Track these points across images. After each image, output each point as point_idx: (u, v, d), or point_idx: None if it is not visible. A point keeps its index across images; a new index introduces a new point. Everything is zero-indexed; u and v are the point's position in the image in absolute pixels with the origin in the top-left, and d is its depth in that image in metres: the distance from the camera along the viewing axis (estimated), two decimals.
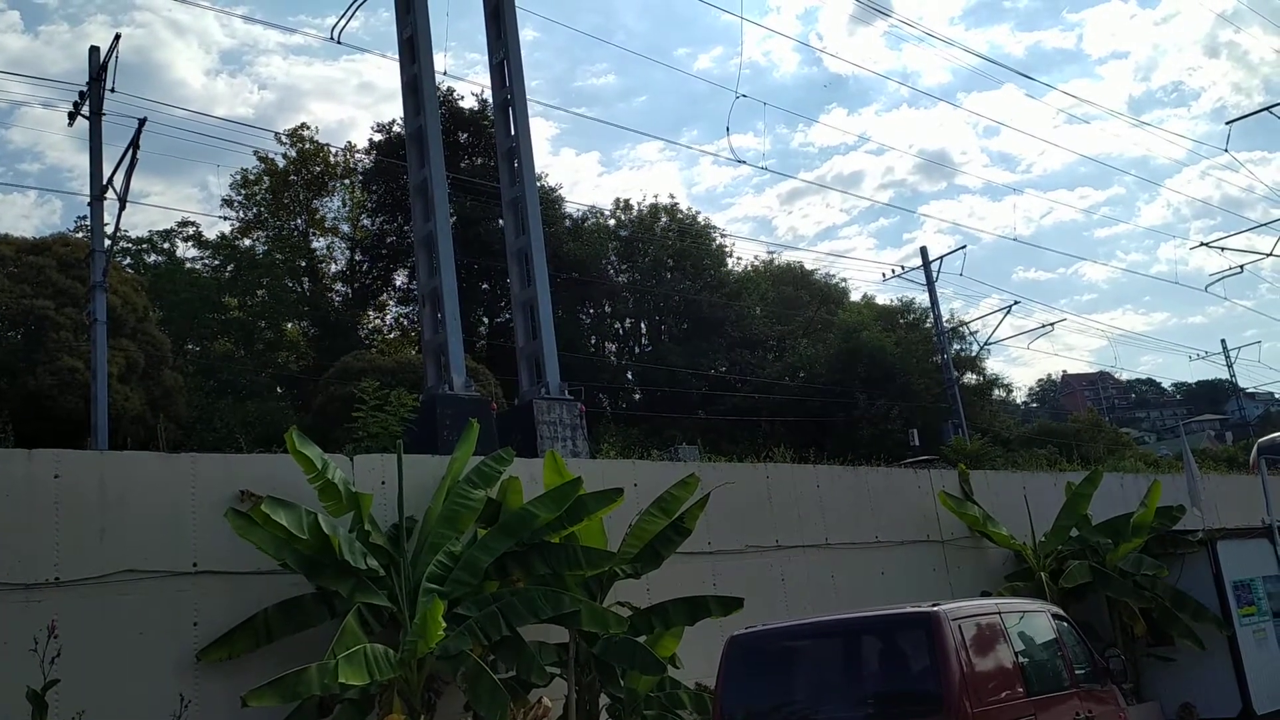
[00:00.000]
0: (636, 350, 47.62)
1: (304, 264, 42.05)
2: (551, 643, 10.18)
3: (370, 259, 43.26)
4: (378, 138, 42.12)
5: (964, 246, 48.78)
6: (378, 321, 44.49)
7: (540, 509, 10.10)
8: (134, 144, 20.71)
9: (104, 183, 21.13)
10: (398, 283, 43.19)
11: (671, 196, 64.03)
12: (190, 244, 40.41)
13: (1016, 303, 48.08)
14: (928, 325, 44.73)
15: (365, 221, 43.39)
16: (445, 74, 21.60)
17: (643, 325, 48.21)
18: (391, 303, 44.32)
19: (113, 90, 21.11)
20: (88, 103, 21.47)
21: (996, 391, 53.41)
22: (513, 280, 17.76)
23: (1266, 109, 29.55)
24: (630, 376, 45.53)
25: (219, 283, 39.24)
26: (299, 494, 9.19)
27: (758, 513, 13.58)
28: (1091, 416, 57.91)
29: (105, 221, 21.26)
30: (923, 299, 44.12)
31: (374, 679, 8.24)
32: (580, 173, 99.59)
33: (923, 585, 14.60)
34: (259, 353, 38.95)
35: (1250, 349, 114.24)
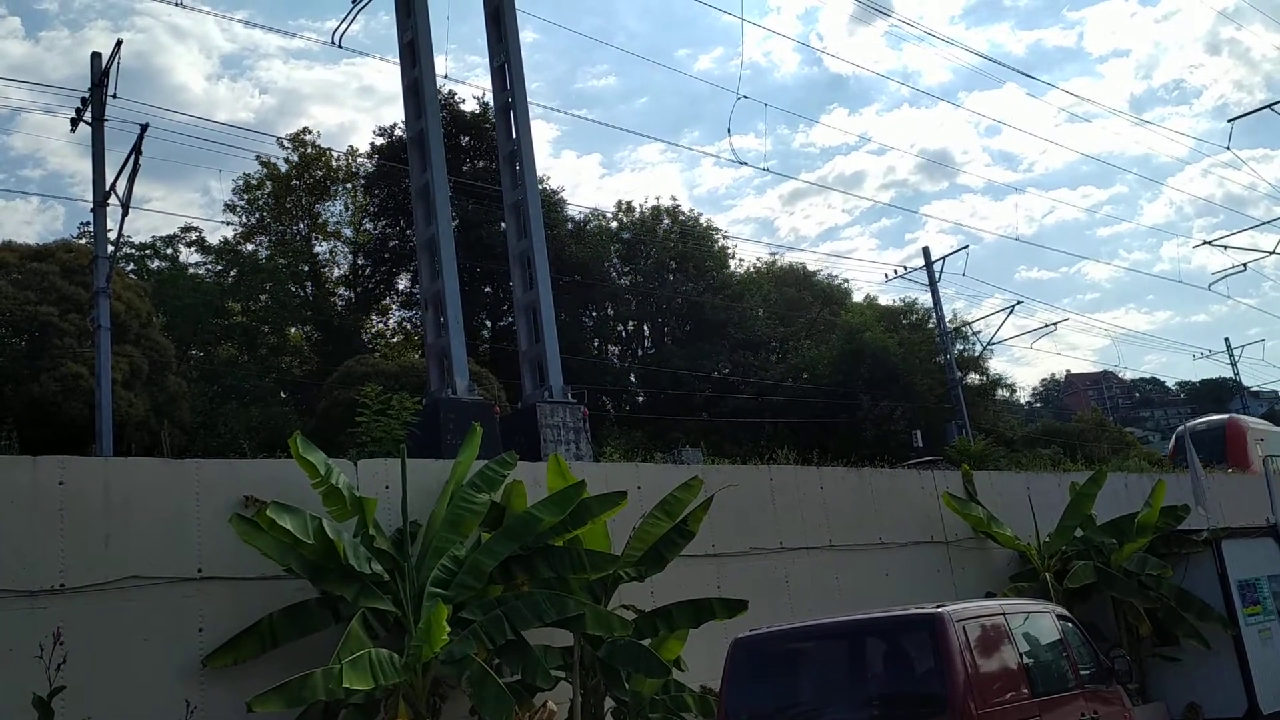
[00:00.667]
0: (639, 353, 47.63)
1: (307, 268, 42.11)
2: (556, 646, 10.17)
3: (373, 263, 43.33)
4: (379, 141, 42.26)
5: (966, 246, 48.70)
6: (381, 325, 44.57)
7: (544, 512, 10.10)
8: (136, 149, 20.76)
9: (107, 189, 21.17)
10: (400, 286, 43.29)
11: (673, 198, 64.07)
12: (193, 249, 40.51)
13: (1019, 302, 48.01)
14: (930, 326, 44.70)
15: (367, 225, 43.46)
16: (446, 77, 21.66)
17: (645, 327, 48.23)
18: (394, 307, 44.41)
19: (115, 96, 21.16)
20: (90, 109, 21.51)
21: (1000, 392, 53.44)
22: (515, 283, 17.78)
23: (1269, 106, 29.52)
24: (633, 379, 45.55)
25: (222, 288, 39.30)
26: (303, 499, 9.19)
27: (761, 515, 13.57)
28: (1095, 416, 57.90)
29: (108, 227, 21.29)
30: (925, 299, 44.13)
31: (379, 684, 8.24)
32: (581, 175, 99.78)
33: (927, 586, 14.58)
34: (262, 358, 39.00)
35: (1254, 347, 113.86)
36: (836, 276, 57.11)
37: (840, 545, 14.30)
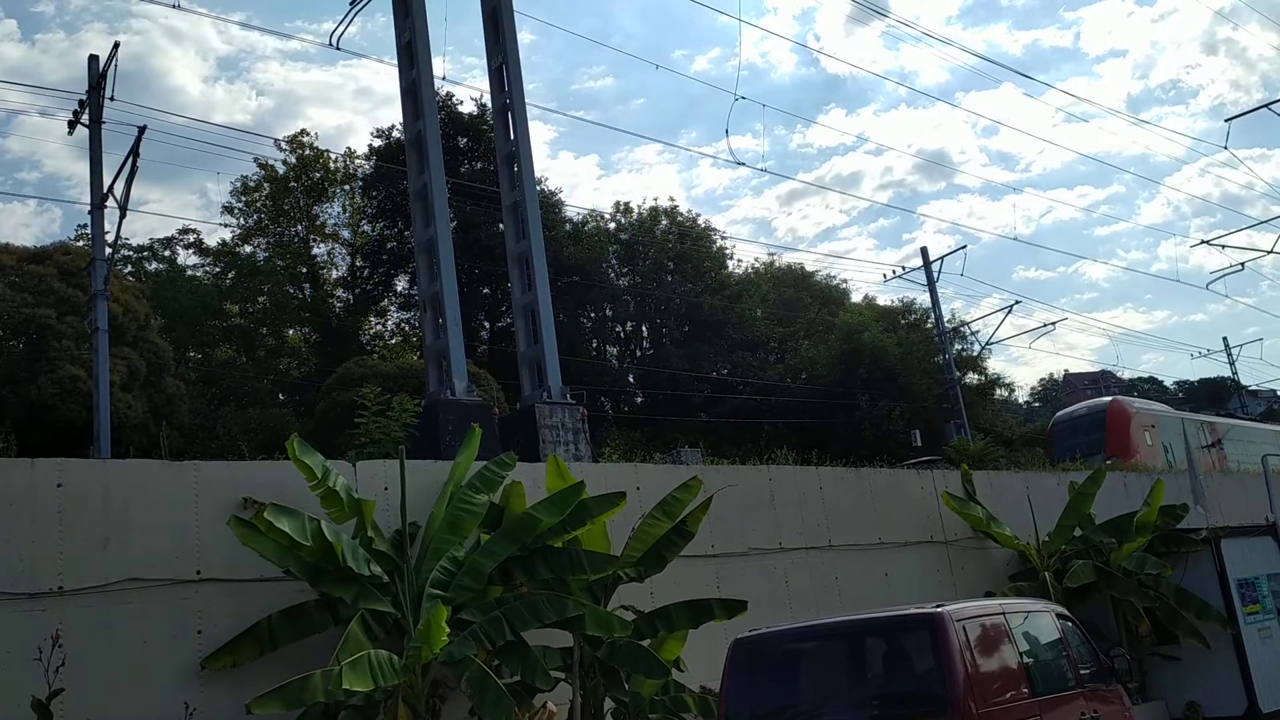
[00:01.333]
0: (638, 353, 47.62)
1: (305, 270, 42.09)
2: (556, 647, 10.16)
3: (371, 264, 43.31)
4: (377, 143, 42.24)
5: (964, 246, 48.68)
6: (379, 327, 44.54)
7: (543, 513, 10.09)
8: (134, 152, 20.73)
9: (104, 191, 21.15)
10: (399, 288, 43.26)
11: (671, 199, 64.19)
12: (191, 251, 40.51)
13: (1018, 302, 47.98)
14: (929, 326, 44.70)
15: (365, 227, 43.44)
16: (444, 79, 21.64)
17: (644, 328, 48.22)
18: (392, 308, 44.38)
19: (112, 98, 21.14)
20: (87, 111, 21.49)
21: (998, 391, 53.41)
22: (513, 285, 17.76)
23: (1266, 105, 29.50)
24: (632, 380, 45.54)
25: (220, 290, 39.30)
26: (302, 501, 9.18)
27: (761, 515, 13.56)
28: None
29: (106, 229, 21.27)
30: (924, 299, 44.13)
31: (378, 685, 8.23)
32: (579, 176, 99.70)
33: (926, 586, 14.58)
34: (260, 359, 38.99)
35: (1252, 346, 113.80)
36: (835, 277, 57.27)
37: (839, 545, 14.30)
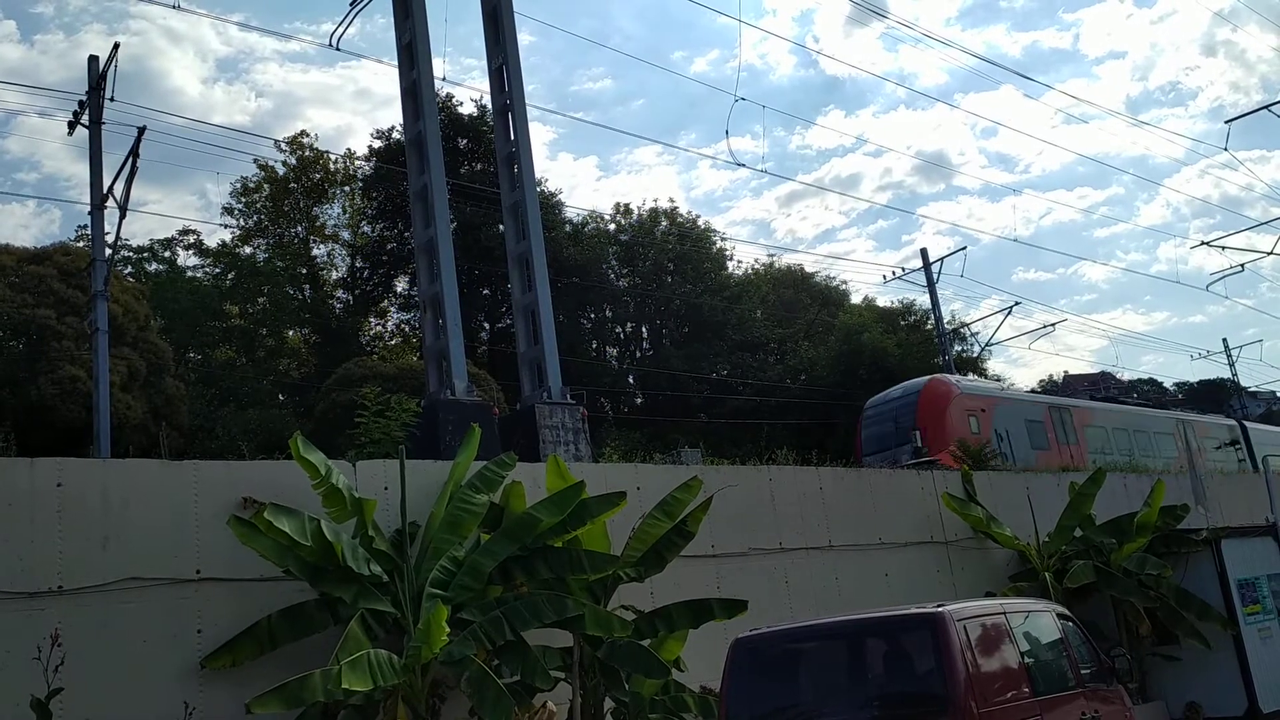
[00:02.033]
0: (638, 354, 47.62)
1: (305, 271, 42.10)
2: (555, 647, 10.15)
3: (371, 265, 43.32)
4: (377, 144, 42.27)
5: (964, 248, 48.80)
6: (379, 328, 44.56)
7: (543, 513, 10.09)
8: (134, 152, 20.74)
9: (104, 192, 21.15)
10: (399, 289, 43.28)
11: (671, 200, 64.20)
12: (191, 252, 40.52)
13: (1017, 303, 47.90)
14: (929, 327, 44.69)
15: (365, 228, 43.45)
16: (444, 79, 21.64)
17: (644, 329, 48.23)
18: (392, 309, 44.39)
19: (112, 99, 21.14)
20: (87, 112, 21.49)
21: None
22: (514, 285, 17.76)
23: (1266, 107, 29.53)
24: (632, 380, 45.55)
25: (220, 290, 39.30)
26: (301, 500, 9.18)
27: (761, 515, 13.56)
28: None
29: (106, 230, 21.27)
30: (923, 300, 44.11)
31: (378, 685, 8.23)
32: (578, 177, 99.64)
33: (926, 586, 14.57)
34: (260, 360, 38.98)
35: (1252, 348, 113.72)
36: (834, 278, 57.24)
37: (840, 545, 14.29)
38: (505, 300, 37.67)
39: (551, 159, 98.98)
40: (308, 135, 41.71)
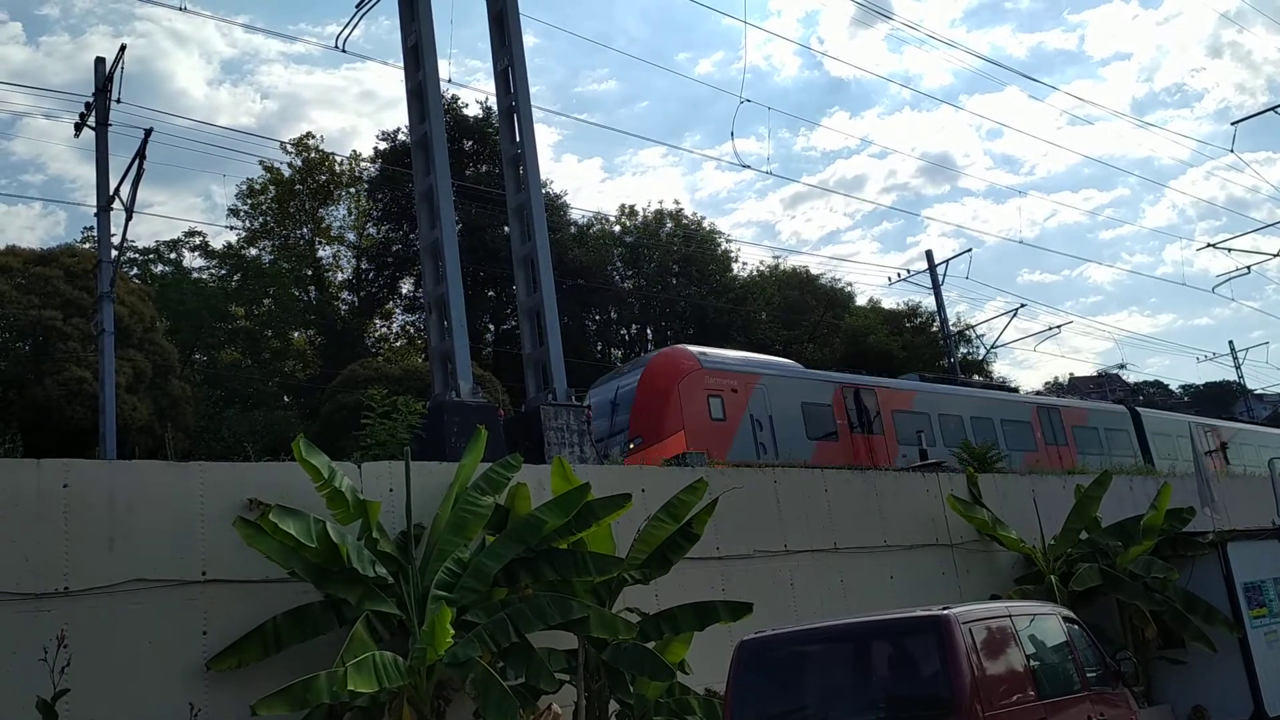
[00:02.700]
0: (643, 356, 47.59)
1: (310, 273, 42.16)
2: (560, 649, 10.15)
3: (376, 267, 43.37)
4: (383, 146, 42.34)
5: (969, 250, 48.75)
6: (384, 329, 44.58)
7: (548, 515, 10.09)
8: (140, 154, 20.78)
9: (110, 194, 21.20)
10: (404, 290, 43.32)
11: (676, 202, 64.23)
12: (197, 254, 40.57)
13: (1023, 305, 48.01)
14: (934, 329, 44.64)
15: (371, 230, 43.50)
16: (449, 81, 21.65)
17: (649, 331, 48.21)
18: (398, 310, 44.42)
19: (118, 101, 21.19)
20: (94, 114, 21.54)
21: None
22: (519, 287, 17.76)
23: (1272, 109, 29.51)
24: None
25: (225, 292, 39.34)
26: (307, 502, 9.18)
27: (766, 517, 13.54)
28: None
29: (112, 232, 21.31)
30: (929, 302, 44.06)
31: (383, 687, 8.23)
32: (583, 179, 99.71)
33: (932, 589, 14.55)
34: (266, 362, 39.03)
35: (1258, 350, 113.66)
36: (839, 280, 57.06)
37: (845, 548, 14.27)
38: (510, 302, 37.68)
39: (556, 160, 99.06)
40: (313, 137, 41.88)
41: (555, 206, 40.69)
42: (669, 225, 47.68)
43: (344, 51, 19.30)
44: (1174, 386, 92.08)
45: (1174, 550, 15.36)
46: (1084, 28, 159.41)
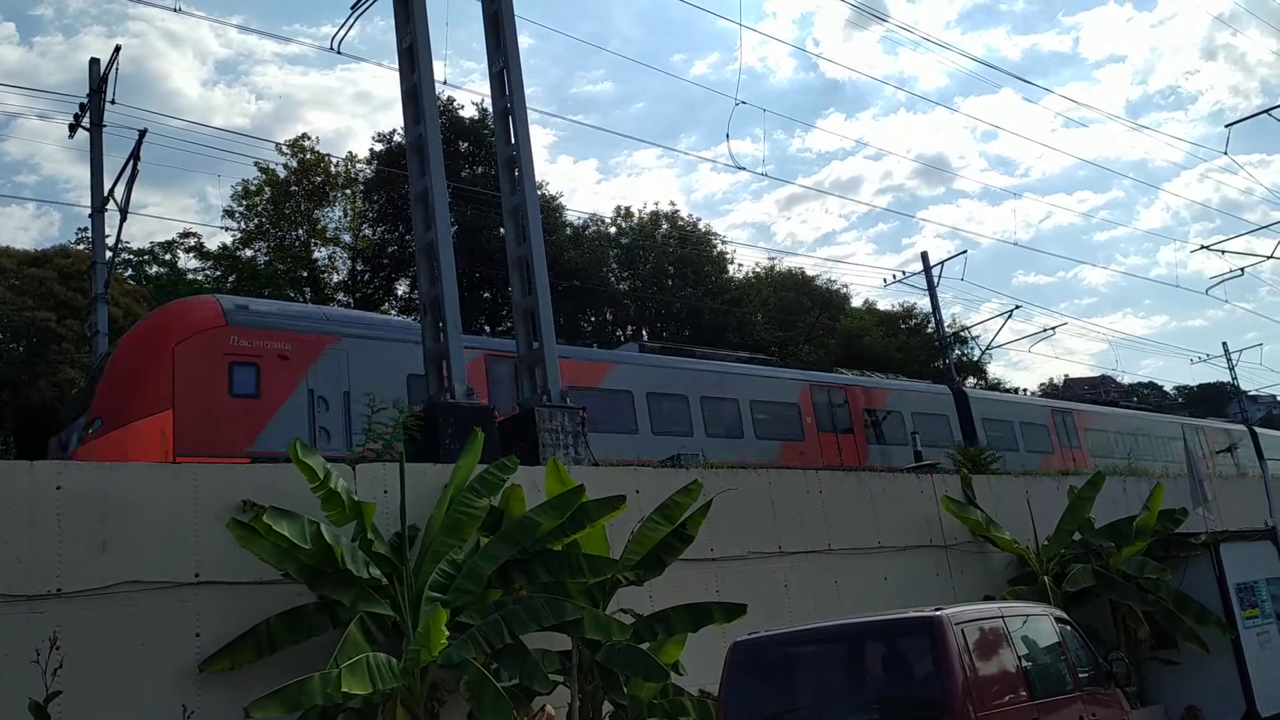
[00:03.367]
0: None
1: (306, 274, 42.10)
2: (554, 650, 10.16)
3: (372, 268, 43.35)
4: (378, 147, 42.32)
5: (964, 251, 48.83)
6: None
7: (542, 517, 10.10)
8: (134, 155, 20.79)
9: (105, 195, 21.19)
10: (399, 292, 43.29)
11: (672, 204, 64.25)
12: (191, 255, 40.52)
13: (1018, 307, 47.97)
14: (929, 330, 44.72)
15: (366, 231, 43.46)
16: (445, 83, 21.63)
17: (644, 332, 48.23)
18: (393, 312, 44.33)
19: (113, 102, 21.18)
20: (88, 115, 21.53)
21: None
22: (514, 288, 17.74)
23: (1266, 111, 29.54)
24: None
25: (221, 293, 39.25)
26: (301, 503, 9.18)
27: (760, 519, 13.56)
28: None
29: (106, 233, 21.30)
30: (924, 304, 44.11)
31: (377, 688, 8.23)
32: (578, 180, 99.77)
33: (925, 590, 14.56)
34: None
35: (1252, 351, 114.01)
36: (835, 281, 57.09)
37: (839, 549, 14.30)
38: (506, 303, 37.68)
39: (551, 161, 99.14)
40: (309, 138, 41.74)
41: (551, 208, 40.70)
42: (664, 227, 47.72)
43: (339, 53, 19.32)
44: (1168, 388, 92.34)
45: (1167, 551, 15.40)
46: (1078, 30, 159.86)
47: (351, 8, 18.91)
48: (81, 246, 31.35)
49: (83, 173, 23.15)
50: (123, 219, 21.12)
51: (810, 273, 54.75)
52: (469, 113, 41.59)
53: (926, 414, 27.19)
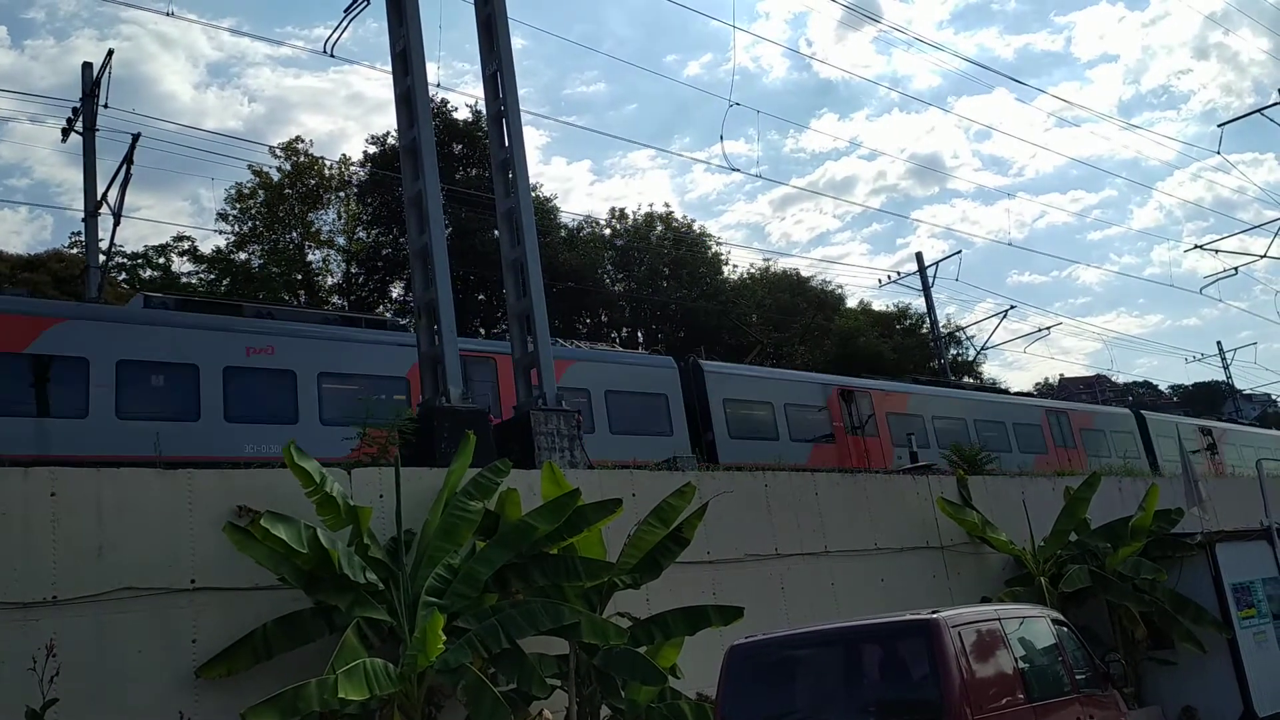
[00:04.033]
0: None
1: (300, 277, 42.04)
2: (551, 654, 10.16)
3: (366, 271, 43.30)
4: (372, 150, 42.29)
5: (959, 251, 48.99)
6: None
7: (539, 520, 10.09)
8: (128, 159, 20.74)
9: (98, 198, 21.15)
10: (394, 295, 43.24)
11: (666, 205, 63.98)
12: (185, 258, 40.44)
13: (1012, 307, 48.08)
14: (924, 330, 44.77)
15: (361, 234, 43.41)
16: (438, 85, 21.63)
17: (639, 334, 48.24)
18: (387, 315, 44.30)
19: (106, 106, 21.15)
20: (81, 118, 21.48)
21: None
22: (508, 291, 17.73)
23: (1258, 110, 29.65)
24: None
25: (215, 297, 39.18)
26: (297, 508, 9.16)
27: (756, 521, 13.56)
28: None
29: (100, 237, 21.26)
30: (919, 304, 44.19)
31: (374, 693, 8.22)
32: (572, 181, 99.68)
33: (922, 592, 14.58)
34: None
35: (1246, 350, 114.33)
36: (830, 282, 57.14)
37: (835, 551, 14.30)
38: (500, 306, 37.66)
39: (545, 163, 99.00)
40: (302, 141, 41.75)
41: (545, 210, 40.68)
42: (659, 228, 47.74)
43: (332, 56, 19.29)
44: (1163, 387, 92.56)
45: (1163, 551, 15.42)
46: (1070, 30, 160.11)
47: (344, 11, 18.90)
48: (75, 251, 31.32)
49: (76, 176, 23.12)
50: (116, 223, 21.10)
51: (805, 274, 54.84)
52: (462, 115, 41.60)
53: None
